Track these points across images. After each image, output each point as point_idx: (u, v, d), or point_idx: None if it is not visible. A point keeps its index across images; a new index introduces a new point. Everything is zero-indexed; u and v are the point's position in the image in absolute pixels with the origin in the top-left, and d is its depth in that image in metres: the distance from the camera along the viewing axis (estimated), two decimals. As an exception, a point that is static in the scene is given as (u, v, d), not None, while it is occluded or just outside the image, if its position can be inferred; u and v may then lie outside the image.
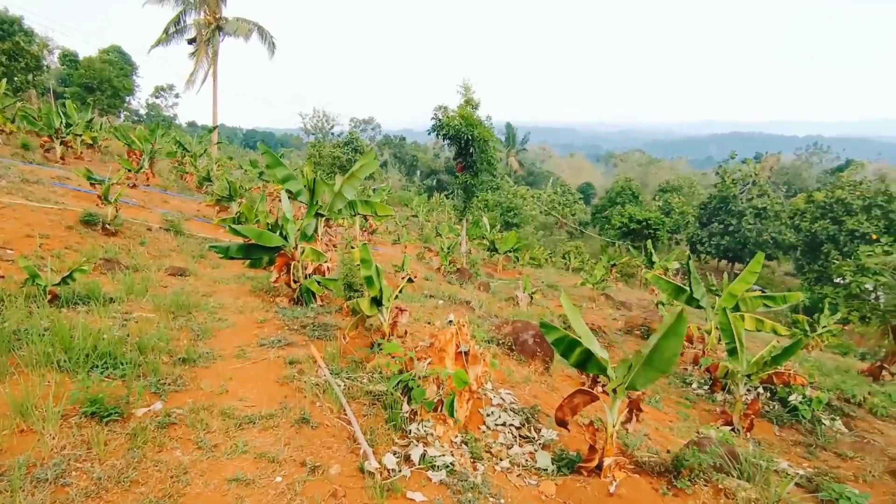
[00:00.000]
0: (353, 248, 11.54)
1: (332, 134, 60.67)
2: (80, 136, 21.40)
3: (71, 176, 16.36)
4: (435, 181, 61.42)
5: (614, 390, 4.48)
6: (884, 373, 13.40)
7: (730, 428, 8.51)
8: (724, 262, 47.16)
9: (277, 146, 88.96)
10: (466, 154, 21.31)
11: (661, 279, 13.02)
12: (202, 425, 4.48)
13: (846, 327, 23.05)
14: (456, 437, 4.98)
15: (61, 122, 19.96)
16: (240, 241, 9.48)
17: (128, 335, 5.87)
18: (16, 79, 39.99)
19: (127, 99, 58.48)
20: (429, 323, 8.50)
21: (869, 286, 27.20)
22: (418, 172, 67.29)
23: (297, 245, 8.69)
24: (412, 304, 9.26)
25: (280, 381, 5.53)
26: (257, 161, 32.03)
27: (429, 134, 20.81)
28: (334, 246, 11.74)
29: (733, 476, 4.69)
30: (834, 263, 33.21)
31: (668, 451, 4.95)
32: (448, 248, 17.84)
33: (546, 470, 4.71)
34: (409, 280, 7.04)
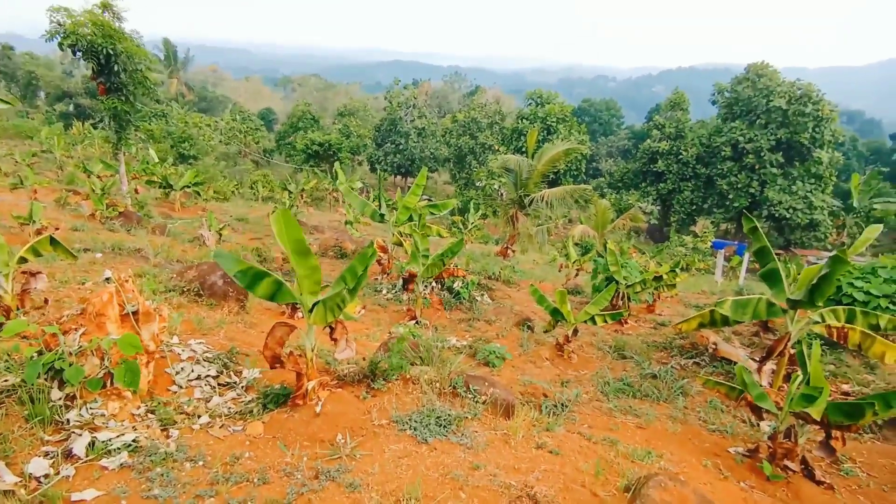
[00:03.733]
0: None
1: None
2: None
3: None
4: (72, 106, 47.66)
5: (309, 312, 4.54)
6: (509, 252, 17.83)
7: (415, 322, 9.98)
8: (399, 177, 53.01)
9: None
10: (110, 73, 17.08)
11: (353, 194, 13.77)
12: None
13: (485, 221, 29.51)
14: (139, 408, 4.29)
15: None
16: None
17: None
18: None
19: None
20: (83, 284, 6.86)
21: (496, 186, 35.29)
22: (42, 94, 51.02)
23: None
24: (53, 264, 7.21)
25: None
26: None
27: (47, 41, 15.67)
28: None
29: (417, 364, 5.51)
30: (475, 171, 41.50)
31: (365, 359, 5.44)
32: (104, 189, 14.43)
33: (252, 412, 4.57)
34: (53, 242, 5.38)
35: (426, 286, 11.37)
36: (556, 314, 8.64)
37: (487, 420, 4.95)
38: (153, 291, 5.47)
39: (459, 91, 76.55)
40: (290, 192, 25.01)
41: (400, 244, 13.60)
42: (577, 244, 19.39)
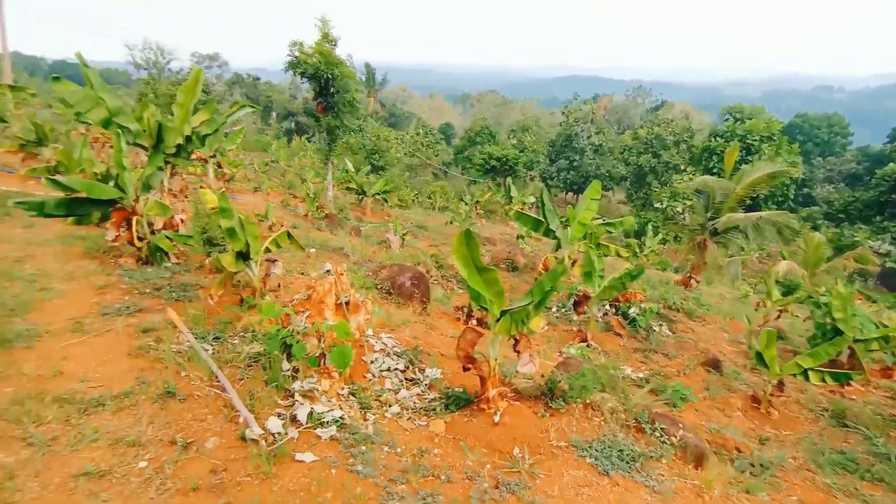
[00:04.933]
0: (200, 187, 10.35)
1: (169, 70, 52.66)
2: None
3: None
4: (294, 123, 57.11)
5: (496, 322, 4.66)
6: (692, 282, 16.10)
7: (585, 344, 9.61)
8: (570, 194, 51.86)
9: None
10: (327, 94, 19.99)
11: (522, 214, 13.88)
12: (30, 417, 3.76)
13: (664, 246, 27.16)
14: (343, 389, 4.86)
15: None
16: (59, 194, 7.90)
17: None
18: None
19: None
20: (302, 273, 8.06)
21: (679, 209, 32.18)
22: (274, 114, 61.95)
23: (137, 197, 7.49)
24: (283, 254, 8.64)
25: (133, 354, 4.83)
26: (57, 91, 26.69)
27: (285, 71, 19.01)
28: (186, 196, 10.38)
29: (596, 390, 5.28)
30: (654, 191, 38.50)
31: (542, 376, 5.39)
32: (315, 194, 16.89)
33: (434, 410, 4.84)
34: (289, 237, 6.47)
35: (599, 308, 10.89)
36: (759, 360, 7.52)
37: (675, 465, 4.50)
38: (361, 286, 6.19)
39: (643, 106, 72.24)
40: (466, 204, 26.19)
41: (573, 262, 13.27)
42: (778, 282, 16.73)
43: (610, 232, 13.80)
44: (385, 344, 6.09)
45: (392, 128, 54.89)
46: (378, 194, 22.66)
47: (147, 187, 7.67)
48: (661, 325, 11.09)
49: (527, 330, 4.83)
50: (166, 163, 8.12)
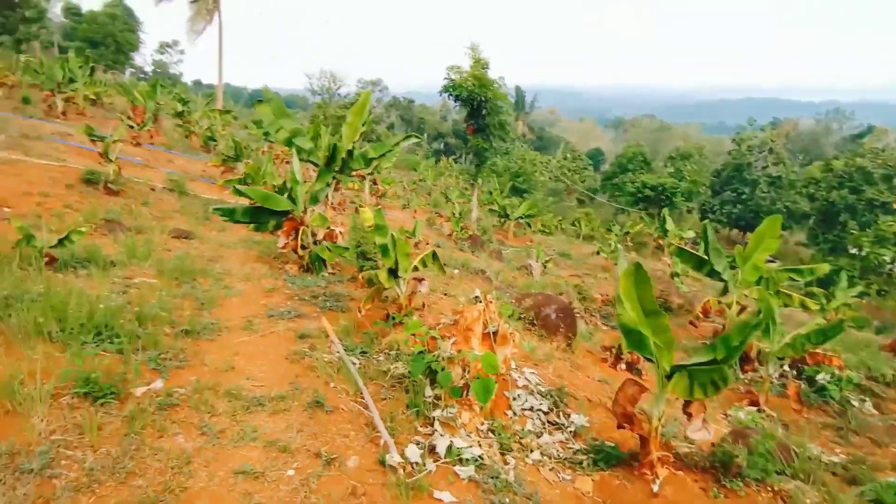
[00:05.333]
0: (360, 206, 11.00)
1: (339, 94, 59.12)
2: (82, 90, 20.66)
3: (72, 132, 15.76)
4: (443, 144, 60.12)
5: (666, 377, 4.02)
6: (908, 350, 12.95)
7: (756, 409, 8.15)
8: (734, 231, 46.32)
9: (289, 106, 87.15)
10: (478, 117, 20.48)
11: (682, 251, 12.49)
12: (207, 407, 4.09)
13: (863, 300, 22.54)
14: (482, 424, 4.59)
15: (64, 76, 19.21)
16: (246, 203, 8.99)
17: (128, 303, 5.46)
18: (18, 30, 38.74)
19: (132, 55, 57.05)
20: (445, 294, 8.06)
21: (887, 258, 26.49)
22: (425, 135, 65.91)
23: (305, 209, 8.19)
24: (426, 272, 8.81)
25: (290, 358, 5.13)
26: (257, 112, 31.18)
27: (440, 94, 19.94)
28: (343, 210, 11.22)
29: (786, 474, 4.29)
30: (851, 234, 32.34)
31: (713, 444, 4.55)
32: (459, 214, 17.25)
33: (581, 464, 4.33)
34: (434, 257, 6.51)
35: (776, 369, 9.21)
36: None
37: None
38: (508, 316, 5.95)
39: (840, 132, 62.16)
40: (614, 234, 24.73)
41: (741, 309, 11.54)
42: None
43: (793, 279, 11.78)
44: (528, 380, 5.71)
45: (539, 151, 54.69)
46: (521, 218, 22.48)
47: (314, 200, 8.35)
48: (862, 399, 9.01)
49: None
50: (332, 178, 8.76)
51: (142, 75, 57.44)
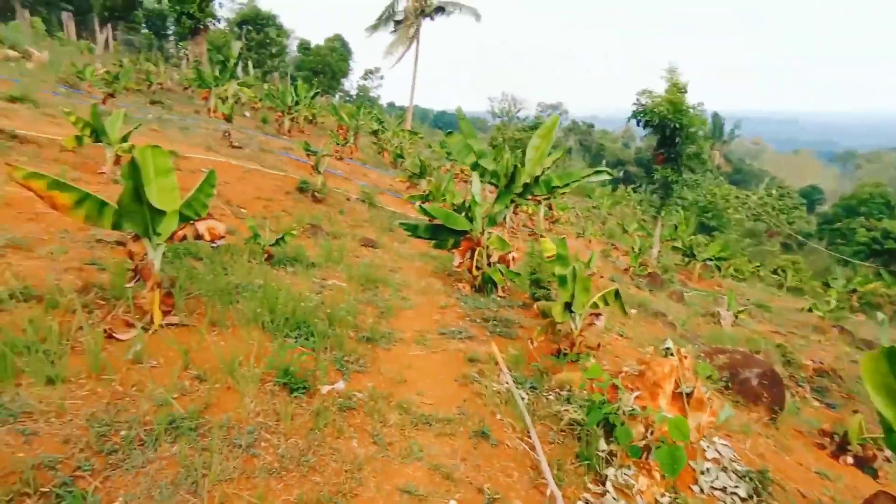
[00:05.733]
0: (541, 237, 10.77)
1: (518, 118, 60.40)
2: (304, 113, 24.44)
3: (294, 147, 18.62)
4: (622, 172, 57.26)
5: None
6: None
7: None
8: None
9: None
10: (670, 145, 18.90)
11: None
12: (379, 416, 4.23)
13: None
14: (663, 496, 3.97)
15: (292, 100, 22.94)
16: (427, 220, 9.46)
17: (321, 303, 6.03)
18: (266, 64, 47.83)
19: (342, 81, 66.18)
20: (621, 336, 7.40)
21: None
22: (603, 162, 63.48)
23: (483, 230, 8.28)
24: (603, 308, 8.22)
25: (459, 381, 5.10)
26: (446, 141, 33.28)
27: (628, 120, 18.90)
28: (516, 233, 11.16)
29: None
30: None
31: None
32: (639, 249, 15.98)
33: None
34: (617, 296, 5.99)
35: None
36: None
37: None
38: (707, 377, 5.17)
39: None
40: (836, 290, 20.54)
41: None
42: None
43: None
44: (720, 453, 4.84)
45: (735, 185, 48.66)
46: (710, 259, 20.01)
47: (492, 222, 8.39)
48: None
49: None
50: (511, 201, 8.72)
51: (347, 98, 65.99)
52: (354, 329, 5.74)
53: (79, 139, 9.11)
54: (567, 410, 4.54)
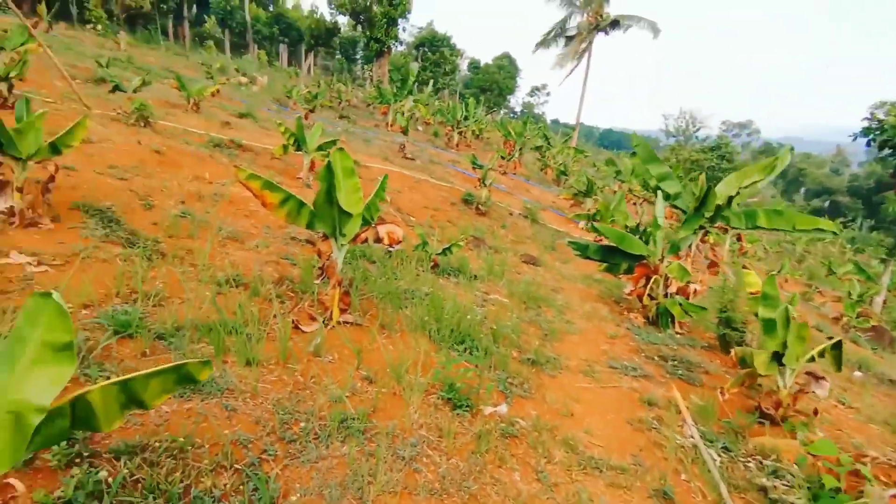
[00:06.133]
0: (743, 268, 9.39)
1: (696, 137, 55.05)
2: (472, 127, 25.25)
3: (461, 160, 19.23)
4: (827, 203, 48.39)
5: None
6: None
7: None
8: None
9: (631, 148, 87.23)
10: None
11: None
12: (543, 450, 3.86)
13: None
14: None
15: (461, 115, 23.84)
16: (599, 240, 8.83)
17: (485, 318, 5.87)
18: (438, 82, 50.97)
19: (508, 98, 67.54)
20: (842, 403, 5.96)
21: None
22: (802, 190, 54.51)
23: (662, 256, 7.41)
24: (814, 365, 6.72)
25: (633, 425, 4.49)
26: (613, 160, 31.59)
27: (854, 138, 15.76)
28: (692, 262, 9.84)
29: None
30: None
31: None
32: (859, 297, 13.04)
33: None
34: (837, 347, 4.81)
35: None
36: None
37: None
38: None
39: None
40: None
41: None
42: None
43: None
44: None
45: None
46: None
47: (674, 249, 7.46)
48: None
49: None
50: (700, 227, 7.68)
51: (511, 115, 66.98)
52: (518, 349, 5.46)
53: (285, 148, 10.40)
54: (776, 487, 3.65)
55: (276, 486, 2.83)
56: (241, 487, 2.76)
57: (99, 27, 30.95)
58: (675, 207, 8.08)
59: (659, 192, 7.72)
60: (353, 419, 3.56)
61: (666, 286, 7.40)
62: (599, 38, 41.59)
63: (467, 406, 4.08)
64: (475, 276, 7.92)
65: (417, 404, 3.93)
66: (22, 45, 10.30)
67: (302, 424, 3.40)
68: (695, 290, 7.53)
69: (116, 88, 12.88)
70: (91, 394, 2.07)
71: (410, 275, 6.63)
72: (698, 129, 55.57)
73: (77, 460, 2.62)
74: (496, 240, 11.47)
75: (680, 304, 7.19)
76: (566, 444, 4.02)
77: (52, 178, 5.32)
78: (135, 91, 12.73)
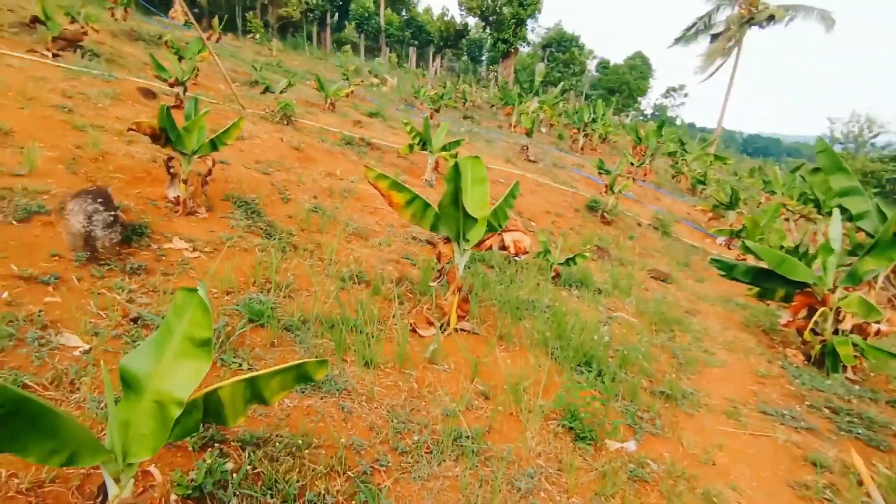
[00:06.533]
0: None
1: (872, 144, 47.06)
2: (599, 130, 24.02)
3: (585, 164, 18.32)
4: None
5: None
6: None
7: None
8: None
9: (782, 155, 77.52)
10: None
11: None
12: (679, 503, 3.32)
13: None
14: None
15: (588, 118, 22.77)
16: (743, 259, 7.74)
17: (610, 340, 5.35)
18: (564, 83, 49.57)
19: (639, 100, 63.62)
20: None
21: None
22: None
23: (835, 287, 6.22)
24: None
25: (796, 489, 3.73)
26: (759, 168, 28.11)
27: None
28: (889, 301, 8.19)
29: None
30: None
31: None
32: None
33: None
34: None
35: None
36: None
37: None
38: None
39: None
40: None
41: None
42: None
43: None
44: None
45: None
46: None
47: (853, 279, 6.22)
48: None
49: None
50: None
51: (641, 118, 62.90)
52: (649, 378, 4.88)
53: (410, 147, 10.60)
54: None
55: (388, 503, 2.70)
56: (353, 498, 2.67)
57: (257, 36, 34.63)
58: (860, 229, 6.76)
59: (836, 210, 6.50)
60: (468, 437, 3.35)
61: (837, 321, 6.21)
62: (751, 32, 37.26)
63: (591, 438, 3.67)
64: (599, 289, 7.35)
65: (536, 430, 3.62)
66: (198, 53, 11.71)
67: (415, 437, 3.26)
68: (877, 331, 6.22)
69: (267, 90, 14.18)
70: (222, 389, 2.08)
71: (530, 284, 6.30)
72: (876, 135, 47.30)
73: (209, 446, 2.71)
74: (622, 251, 10.65)
75: (855, 345, 5.98)
76: (708, 499, 3.43)
77: (209, 172, 5.84)
78: (281, 92, 13.89)
